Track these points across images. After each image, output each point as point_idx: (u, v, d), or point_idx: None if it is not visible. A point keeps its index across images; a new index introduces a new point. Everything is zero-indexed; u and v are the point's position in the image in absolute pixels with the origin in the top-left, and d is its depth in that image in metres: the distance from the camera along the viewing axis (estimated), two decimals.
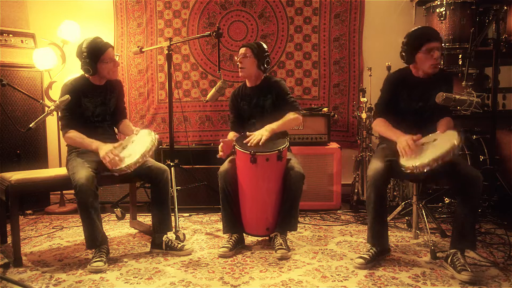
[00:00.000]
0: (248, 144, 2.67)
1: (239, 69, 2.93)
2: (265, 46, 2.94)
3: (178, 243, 2.71)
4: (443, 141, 2.28)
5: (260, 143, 2.65)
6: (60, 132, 3.74)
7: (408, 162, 2.27)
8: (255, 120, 2.91)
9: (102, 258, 2.45)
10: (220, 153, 2.75)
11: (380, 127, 2.61)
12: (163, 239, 2.69)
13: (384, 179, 2.42)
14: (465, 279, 2.18)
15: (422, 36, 2.52)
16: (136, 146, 2.62)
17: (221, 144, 2.75)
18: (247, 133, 2.77)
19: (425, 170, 2.19)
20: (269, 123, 2.78)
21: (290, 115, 2.84)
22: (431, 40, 2.48)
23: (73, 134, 2.63)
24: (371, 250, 2.44)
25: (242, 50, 2.92)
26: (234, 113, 3.05)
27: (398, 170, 2.35)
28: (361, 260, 2.39)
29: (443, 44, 3.53)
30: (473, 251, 2.43)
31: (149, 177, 2.70)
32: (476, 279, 2.19)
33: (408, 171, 2.24)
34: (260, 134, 2.70)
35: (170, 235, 2.78)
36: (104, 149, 2.54)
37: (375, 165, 2.45)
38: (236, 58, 2.96)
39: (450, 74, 2.73)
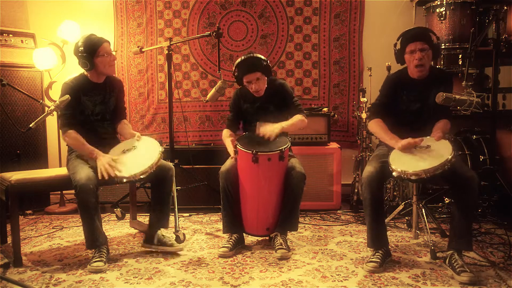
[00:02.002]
0: (261, 135, 2.67)
1: (255, 93, 2.85)
2: (262, 56, 2.85)
3: (170, 240, 2.71)
4: (436, 152, 2.28)
5: (270, 139, 2.66)
6: (60, 132, 3.76)
7: (398, 165, 2.27)
8: (258, 122, 2.91)
9: (102, 258, 2.45)
10: (234, 155, 2.74)
11: (376, 128, 2.61)
12: (157, 233, 2.70)
13: (379, 180, 2.41)
14: (465, 280, 2.17)
15: (406, 37, 2.54)
16: (141, 154, 2.60)
17: (231, 146, 2.75)
18: (257, 123, 2.74)
19: (412, 178, 2.21)
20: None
21: (298, 117, 2.86)
22: (414, 41, 2.49)
23: (74, 135, 2.62)
24: (378, 253, 2.41)
25: (254, 76, 2.78)
26: (233, 113, 3.03)
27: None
28: (374, 264, 2.35)
29: (442, 44, 3.52)
30: (469, 251, 2.42)
31: (155, 174, 2.62)
32: (476, 279, 2.18)
33: (395, 174, 2.26)
34: (272, 131, 2.68)
35: (166, 232, 2.77)
36: (103, 159, 2.52)
37: (370, 167, 2.44)
38: (249, 84, 2.82)
39: (449, 74, 2.73)
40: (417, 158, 2.30)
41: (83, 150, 2.62)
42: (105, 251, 2.51)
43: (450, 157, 2.19)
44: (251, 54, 2.84)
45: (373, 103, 2.74)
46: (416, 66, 2.50)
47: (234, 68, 2.86)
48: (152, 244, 2.70)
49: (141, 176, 2.48)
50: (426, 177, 2.19)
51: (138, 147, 2.67)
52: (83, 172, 2.46)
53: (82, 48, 2.63)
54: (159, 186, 2.73)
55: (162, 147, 2.62)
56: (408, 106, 2.61)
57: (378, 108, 2.66)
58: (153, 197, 2.78)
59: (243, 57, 2.83)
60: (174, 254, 2.65)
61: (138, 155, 2.60)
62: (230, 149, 2.78)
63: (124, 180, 2.48)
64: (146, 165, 2.48)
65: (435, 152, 2.28)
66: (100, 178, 2.48)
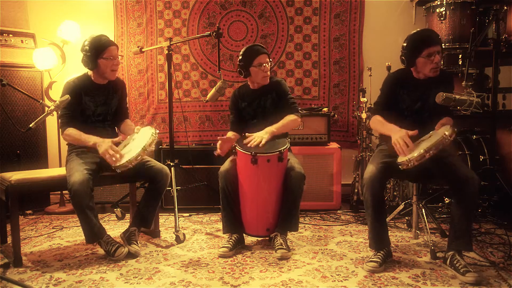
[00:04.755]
0: (248, 145, 2.66)
1: (265, 78, 2.87)
2: None
3: (138, 244, 2.69)
4: (436, 135, 2.30)
5: (260, 145, 2.65)
6: (61, 132, 3.76)
7: (402, 157, 2.28)
8: (257, 121, 2.92)
9: (117, 244, 2.57)
10: (218, 151, 2.74)
11: (376, 124, 2.60)
12: (135, 230, 2.73)
13: (380, 181, 2.41)
14: (471, 280, 2.16)
15: (422, 40, 2.50)
16: (137, 142, 2.64)
17: (219, 142, 2.75)
18: (247, 134, 2.76)
19: (417, 163, 2.20)
20: (270, 122, 2.79)
21: (289, 117, 2.85)
22: (432, 45, 2.46)
23: (71, 131, 2.65)
24: (379, 253, 2.41)
25: (266, 58, 2.85)
26: (234, 114, 3.03)
27: (396, 170, 2.35)
28: (374, 264, 2.35)
29: (442, 44, 3.53)
30: (468, 251, 2.42)
31: (150, 176, 2.72)
32: (481, 279, 2.18)
33: (404, 166, 2.26)
34: (260, 137, 2.69)
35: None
36: (103, 145, 2.56)
37: (371, 167, 2.44)
38: (259, 67, 2.83)
39: (450, 74, 2.72)
40: (420, 146, 2.30)
41: (81, 142, 2.64)
42: (111, 240, 2.59)
43: (447, 133, 2.18)
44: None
45: (374, 102, 2.74)
46: (432, 68, 2.47)
47: (241, 55, 2.88)
48: (124, 236, 2.73)
49: (138, 158, 2.51)
50: (430, 155, 2.17)
51: (136, 138, 2.70)
52: (77, 176, 2.47)
53: (87, 47, 2.64)
54: (153, 187, 2.76)
55: (155, 130, 2.63)
56: (409, 105, 2.61)
57: (378, 107, 2.66)
58: (144, 195, 2.82)
59: (248, 46, 2.93)
60: (169, 255, 2.65)
61: (135, 144, 2.64)
62: (218, 145, 2.76)
63: (121, 169, 2.51)
64: (139, 148, 2.51)
65: (435, 135, 2.29)
66: (111, 163, 2.53)
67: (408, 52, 2.52)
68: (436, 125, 2.46)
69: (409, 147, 2.30)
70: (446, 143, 2.17)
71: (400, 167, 2.30)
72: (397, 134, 2.36)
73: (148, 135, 2.60)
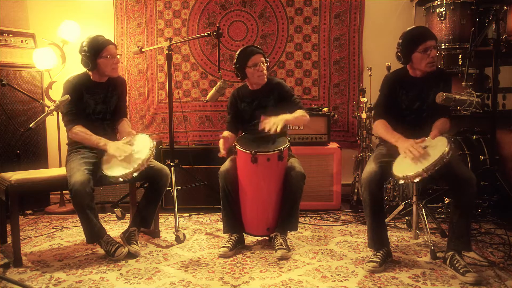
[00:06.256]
0: (264, 128, 2.62)
1: (261, 77, 2.86)
2: None
3: (137, 244, 2.69)
4: (433, 149, 2.29)
5: (276, 132, 2.60)
6: (60, 132, 3.77)
7: (399, 172, 2.27)
8: (257, 121, 2.91)
9: (117, 244, 2.58)
10: (222, 151, 2.72)
11: (380, 129, 2.59)
12: (135, 231, 2.73)
13: (378, 181, 2.41)
14: (471, 281, 2.16)
15: (417, 36, 2.50)
16: (134, 152, 2.61)
17: (221, 140, 2.73)
18: (262, 116, 2.71)
19: (415, 180, 2.20)
20: None
21: (300, 112, 2.83)
22: (427, 39, 2.47)
23: (80, 129, 2.65)
24: (378, 253, 2.41)
25: (260, 57, 2.83)
26: (231, 114, 3.02)
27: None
28: (374, 264, 2.35)
29: (442, 44, 3.53)
30: (467, 251, 2.42)
31: (150, 176, 2.71)
32: (481, 279, 2.18)
33: (401, 181, 2.26)
34: (275, 123, 2.61)
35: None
36: (113, 146, 2.58)
37: (369, 168, 2.44)
38: (255, 67, 2.82)
39: (448, 73, 2.72)
40: (416, 160, 2.30)
41: (90, 142, 2.64)
42: (111, 240, 2.59)
43: (446, 149, 2.18)
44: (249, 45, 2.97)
45: (375, 104, 2.73)
46: (428, 63, 2.47)
47: (235, 58, 2.87)
48: (124, 236, 2.73)
49: (134, 174, 2.49)
50: (428, 175, 2.18)
51: (135, 145, 2.67)
52: (78, 176, 2.47)
53: (86, 48, 2.64)
54: (153, 187, 2.76)
55: (153, 142, 2.61)
56: (408, 104, 2.61)
57: (380, 109, 2.65)
58: (144, 195, 2.82)
59: (242, 48, 2.92)
60: (168, 255, 2.65)
61: (131, 154, 2.61)
62: (221, 146, 2.74)
63: (120, 180, 2.50)
64: (137, 163, 2.49)
65: (432, 150, 2.29)
66: (120, 159, 2.53)
67: (404, 48, 2.52)
68: (432, 129, 2.45)
69: (421, 153, 2.28)
70: (443, 162, 2.18)
71: (395, 179, 2.30)
72: (405, 144, 2.34)
73: (146, 148, 2.57)
